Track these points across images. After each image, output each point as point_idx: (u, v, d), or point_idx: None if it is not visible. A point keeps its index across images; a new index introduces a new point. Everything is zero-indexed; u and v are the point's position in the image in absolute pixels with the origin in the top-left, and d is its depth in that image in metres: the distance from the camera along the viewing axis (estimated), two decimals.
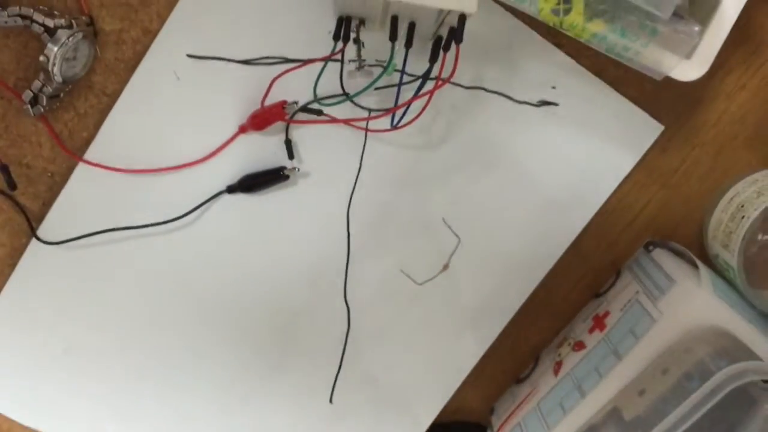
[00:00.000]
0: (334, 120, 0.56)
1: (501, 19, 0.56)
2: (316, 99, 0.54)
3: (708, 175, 0.59)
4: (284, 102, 0.55)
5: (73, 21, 0.53)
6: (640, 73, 0.51)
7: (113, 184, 0.57)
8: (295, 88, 0.55)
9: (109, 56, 0.56)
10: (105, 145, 0.56)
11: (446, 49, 0.48)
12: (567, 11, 0.47)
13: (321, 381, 0.61)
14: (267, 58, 0.56)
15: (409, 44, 0.49)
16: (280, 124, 0.56)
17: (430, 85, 0.51)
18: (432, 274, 0.60)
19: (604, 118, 0.57)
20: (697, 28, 0.47)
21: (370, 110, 0.56)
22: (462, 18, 0.46)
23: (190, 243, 0.58)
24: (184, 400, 0.61)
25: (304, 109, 0.56)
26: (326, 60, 0.52)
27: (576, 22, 0.48)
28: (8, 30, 0.54)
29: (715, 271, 0.56)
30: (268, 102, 0.56)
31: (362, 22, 0.50)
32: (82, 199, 0.57)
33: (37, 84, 0.53)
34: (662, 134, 0.58)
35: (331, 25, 0.51)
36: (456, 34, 0.47)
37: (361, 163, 0.58)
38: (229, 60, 0.56)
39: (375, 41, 0.52)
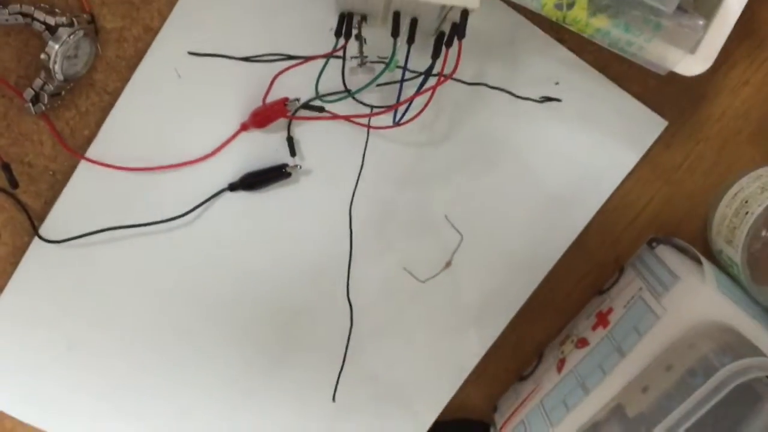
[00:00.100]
0: (336, 117, 0.56)
1: (503, 15, 0.56)
2: (318, 96, 0.54)
3: (712, 171, 0.59)
4: (286, 99, 0.55)
5: (74, 19, 0.53)
6: (643, 69, 0.51)
7: (115, 183, 0.57)
8: (297, 85, 0.55)
9: (110, 54, 0.56)
10: (107, 143, 0.56)
11: (449, 44, 0.48)
12: (570, 6, 0.47)
13: (324, 379, 0.61)
14: (268, 55, 0.56)
15: (411, 40, 0.49)
16: (281, 122, 0.56)
17: (432, 81, 0.50)
18: (435, 272, 0.60)
19: (608, 113, 0.57)
20: (701, 22, 0.47)
21: (372, 107, 0.55)
22: (465, 13, 0.46)
23: (191, 241, 0.58)
24: (186, 398, 0.61)
25: (306, 106, 0.56)
26: (328, 57, 0.52)
27: (579, 16, 0.47)
28: (9, 28, 0.54)
29: (719, 267, 0.56)
30: (269, 99, 0.55)
31: (364, 18, 0.50)
32: (84, 197, 0.57)
33: (38, 82, 0.53)
34: (666, 130, 0.58)
35: (333, 22, 0.51)
36: (459, 29, 0.47)
37: (363, 161, 0.58)
38: (230, 57, 0.56)
39: (377, 38, 0.52)
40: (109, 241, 0.58)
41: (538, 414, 0.56)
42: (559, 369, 0.57)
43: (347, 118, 0.56)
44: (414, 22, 0.49)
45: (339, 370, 0.61)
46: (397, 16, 0.49)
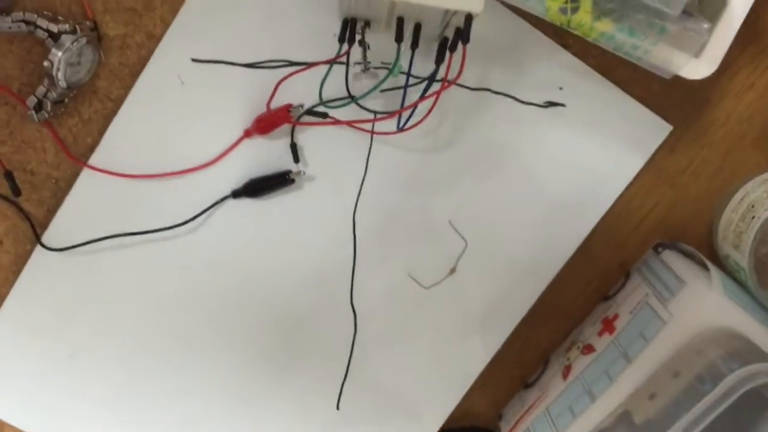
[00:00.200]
0: (339, 122, 0.56)
1: (506, 20, 0.56)
2: (322, 102, 0.54)
3: (717, 175, 0.59)
4: (289, 105, 0.55)
5: (77, 26, 0.53)
6: (647, 73, 0.51)
7: (118, 190, 0.57)
8: (300, 91, 0.55)
9: (113, 61, 0.56)
10: (109, 150, 0.56)
11: (452, 49, 0.48)
12: (575, 10, 0.47)
13: (327, 386, 0.61)
14: (271, 61, 0.56)
15: (415, 45, 0.49)
16: (285, 128, 0.56)
17: (436, 87, 0.50)
18: (439, 278, 0.60)
19: (612, 118, 0.57)
20: (706, 26, 0.47)
21: (375, 113, 0.55)
22: (469, 18, 0.46)
23: (195, 248, 0.58)
24: (188, 405, 0.60)
25: (310, 112, 0.56)
26: (331, 63, 0.51)
27: (584, 21, 0.47)
28: (12, 35, 0.54)
29: (726, 273, 0.55)
30: (273, 105, 0.55)
31: (367, 23, 0.50)
32: (86, 205, 0.57)
33: (41, 89, 0.53)
34: (670, 134, 0.58)
35: (336, 28, 0.50)
36: (463, 34, 0.47)
37: (366, 166, 0.57)
38: (233, 64, 0.56)
39: (380, 43, 0.52)
40: (111, 248, 0.58)
41: (544, 421, 0.55)
42: (565, 376, 0.56)
43: (351, 123, 0.56)
44: (417, 28, 0.49)
45: (343, 377, 0.60)
46: (400, 21, 0.48)
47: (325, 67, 0.52)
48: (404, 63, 0.50)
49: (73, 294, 0.58)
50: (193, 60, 0.56)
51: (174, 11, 0.55)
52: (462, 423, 0.63)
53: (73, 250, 0.57)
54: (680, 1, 0.45)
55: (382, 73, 0.51)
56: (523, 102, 0.57)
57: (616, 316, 0.55)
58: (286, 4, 0.55)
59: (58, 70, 0.52)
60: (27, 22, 0.52)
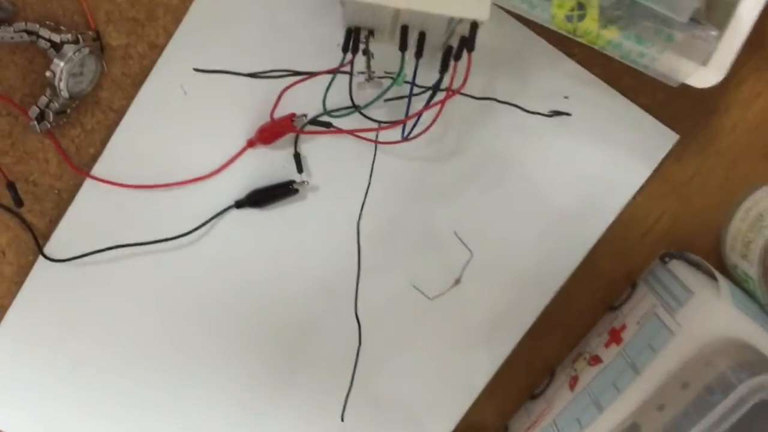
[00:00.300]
0: (343, 131, 0.55)
1: (511, 29, 0.55)
2: (325, 111, 0.54)
3: (724, 185, 0.58)
4: (293, 115, 0.55)
5: (79, 36, 0.53)
6: (653, 82, 0.50)
7: (120, 201, 0.57)
8: (304, 100, 0.55)
9: (115, 71, 0.56)
10: (112, 161, 0.56)
11: (457, 58, 0.48)
12: (581, 17, 0.47)
13: (331, 397, 0.60)
14: (275, 71, 0.56)
15: (419, 54, 0.49)
16: (288, 138, 0.56)
17: (440, 96, 0.50)
18: (444, 289, 0.59)
19: (618, 127, 0.57)
20: (714, 33, 0.46)
21: (379, 122, 0.55)
22: (474, 26, 0.46)
23: (197, 259, 0.58)
24: (191, 417, 0.60)
25: (313, 121, 0.56)
26: (335, 72, 0.51)
27: (590, 28, 0.47)
28: (14, 46, 0.54)
29: (734, 282, 0.55)
30: (276, 115, 0.55)
31: (371, 33, 0.50)
32: (89, 215, 0.57)
33: (43, 100, 0.53)
34: (677, 143, 0.57)
35: (340, 38, 0.50)
36: (468, 42, 0.47)
37: (371, 176, 0.57)
38: (236, 73, 0.56)
39: (384, 52, 0.51)
40: (114, 259, 0.57)
41: None
42: (572, 387, 0.56)
43: (353, 132, 0.55)
44: (422, 37, 0.49)
45: (347, 388, 0.60)
46: (405, 30, 0.48)
47: (329, 77, 0.52)
48: (408, 72, 0.49)
49: (76, 305, 0.58)
50: (196, 70, 0.55)
51: (177, 21, 0.55)
52: None
53: (76, 261, 0.57)
54: (688, 8, 0.45)
55: (386, 82, 0.51)
56: (528, 111, 0.57)
57: (623, 327, 0.55)
58: (290, 13, 0.55)
59: (60, 80, 0.52)
60: (29, 32, 0.52)
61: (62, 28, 0.54)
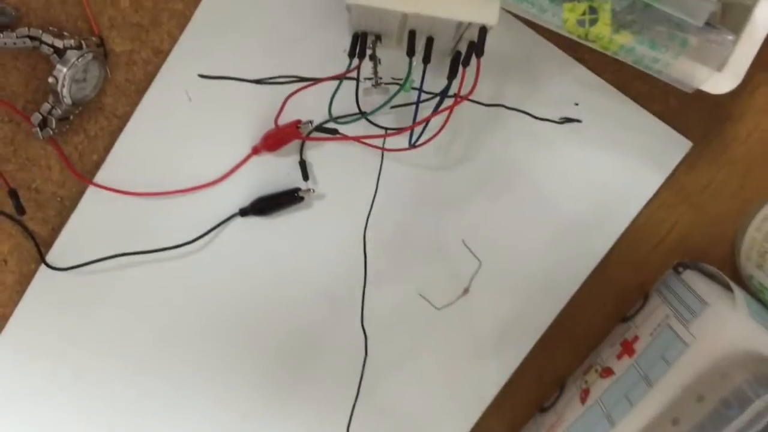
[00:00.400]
0: (349, 138, 0.55)
1: (520, 35, 0.55)
2: (332, 118, 0.53)
3: (738, 194, 0.57)
4: (298, 121, 0.55)
5: (82, 42, 0.53)
6: (665, 88, 0.50)
7: (124, 208, 0.56)
8: (310, 107, 0.55)
9: (119, 77, 0.55)
10: (115, 168, 0.56)
11: (466, 63, 0.47)
12: (593, 22, 0.46)
13: (337, 409, 0.60)
14: (280, 77, 0.55)
15: (427, 60, 0.49)
16: (293, 145, 0.56)
17: (448, 102, 0.50)
18: (452, 299, 0.58)
19: (630, 134, 0.56)
20: (731, 38, 0.46)
21: (386, 129, 0.55)
22: (483, 31, 0.45)
23: (202, 267, 0.57)
24: (195, 426, 0.59)
25: (319, 128, 0.55)
26: (341, 78, 0.51)
27: (602, 33, 0.46)
28: (17, 51, 0.54)
29: (750, 293, 0.54)
30: (281, 122, 0.55)
31: (378, 38, 0.50)
32: (92, 223, 0.56)
33: (46, 106, 0.53)
34: (690, 151, 0.56)
35: (346, 43, 0.50)
36: (477, 47, 0.46)
37: (377, 184, 0.57)
38: (241, 79, 0.55)
39: (391, 58, 0.51)
40: (117, 268, 0.57)
41: None
42: (583, 399, 0.55)
43: (361, 140, 0.55)
44: (430, 42, 0.48)
45: (353, 400, 0.59)
46: (412, 35, 0.48)
47: (335, 83, 0.52)
48: (416, 78, 0.49)
49: (78, 314, 0.58)
50: (201, 76, 0.55)
51: (181, 27, 0.55)
52: None
53: (78, 269, 0.57)
54: (705, 11, 0.44)
55: (393, 88, 0.50)
56: (537, 118, 0.56)
57: (635, 338, 0.54)
58: (295, 19, 0.55)
59: (63, 86, 0.51)
60: (32, 38, 0.52)
61: (65, 33, 0.53)
